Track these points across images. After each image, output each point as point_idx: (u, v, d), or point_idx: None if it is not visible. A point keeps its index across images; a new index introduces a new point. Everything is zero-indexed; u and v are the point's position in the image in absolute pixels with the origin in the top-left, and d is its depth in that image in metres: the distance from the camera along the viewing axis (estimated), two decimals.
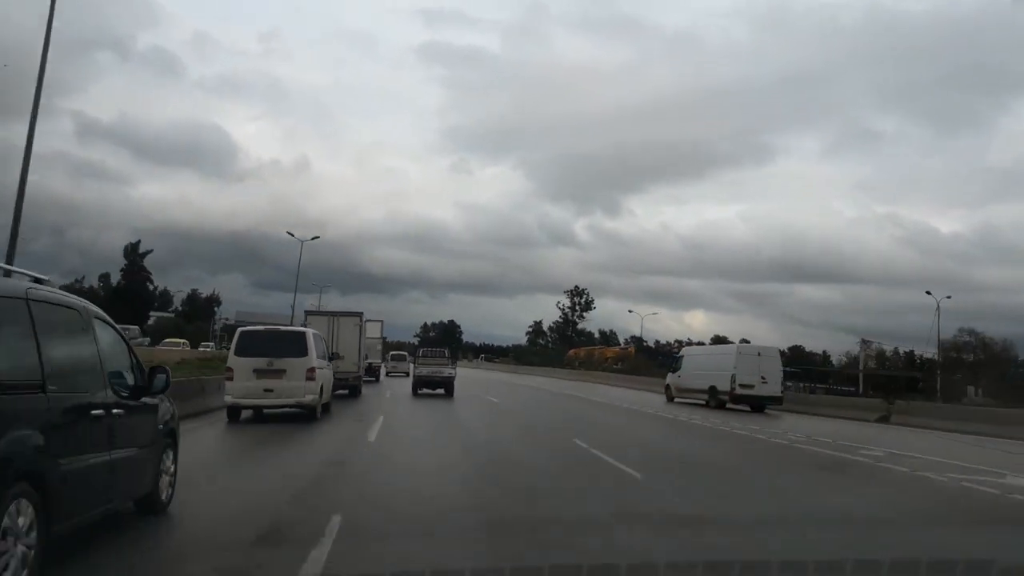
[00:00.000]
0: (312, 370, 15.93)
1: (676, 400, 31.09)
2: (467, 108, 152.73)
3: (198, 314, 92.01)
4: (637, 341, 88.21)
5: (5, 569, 3.95)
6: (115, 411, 5.50)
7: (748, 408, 27.00)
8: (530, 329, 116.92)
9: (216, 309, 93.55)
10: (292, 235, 53.80)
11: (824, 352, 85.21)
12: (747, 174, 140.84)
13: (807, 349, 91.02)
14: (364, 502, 7.69)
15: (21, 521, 4.09)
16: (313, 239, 54.64)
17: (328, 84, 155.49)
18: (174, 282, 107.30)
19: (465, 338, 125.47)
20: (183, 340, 61.97)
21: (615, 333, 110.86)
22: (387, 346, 57.37)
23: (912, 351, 71.03)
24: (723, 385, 27.77)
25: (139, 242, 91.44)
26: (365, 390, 27.44)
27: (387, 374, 45.27)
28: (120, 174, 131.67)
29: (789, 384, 44.22)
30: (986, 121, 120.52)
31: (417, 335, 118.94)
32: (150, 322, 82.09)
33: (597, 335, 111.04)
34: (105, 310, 6.14)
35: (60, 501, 4.49)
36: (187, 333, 73.85)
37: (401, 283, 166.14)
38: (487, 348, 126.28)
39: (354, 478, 9.27)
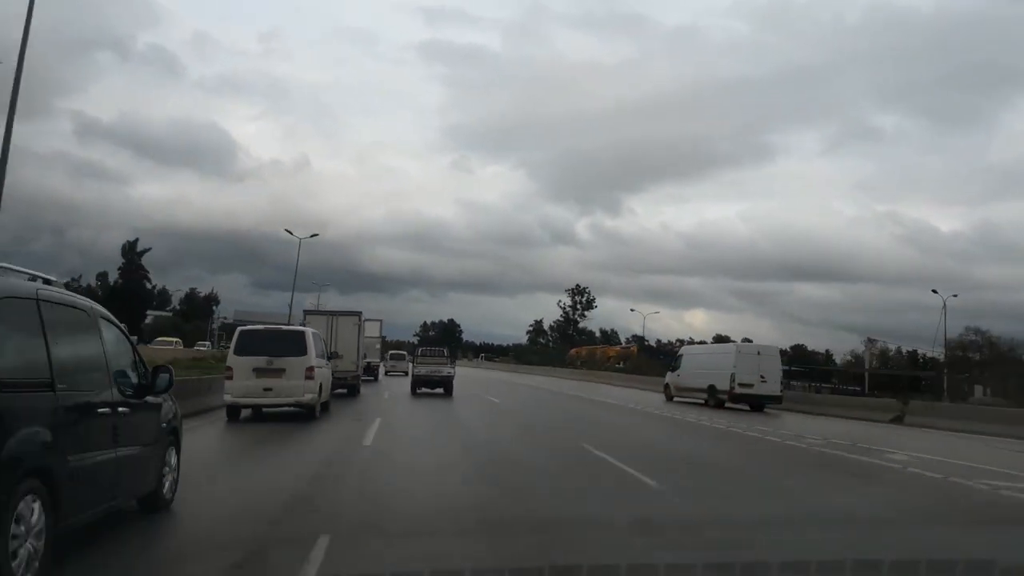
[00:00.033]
0: (311, 369, 15.97)
1: (675, 399, 31.10)
2: (468, 106, 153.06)
3: (196, 313, 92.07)
4: (639, 340, 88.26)
5: (18, 563, 4.01)
6: (120, 409, 5.57)
7: (747, 407, 26.96)
8: (531, 328, 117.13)
9: (215, 308, 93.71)
10: (291, 233, 53.76)
11: (827, 351, 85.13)
12: (747, 173, 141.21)
13: (809, 348, 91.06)
14: (364, 500, 7.73)
15: (31, 517, 4.16)
16: (312, 237, 54.47)
17: (328, 83, 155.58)
18: (174, 282, 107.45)
19: (465, 337, 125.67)
20: (175, 339, 61.85)
21: (616, 332, 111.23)
22: (387, 345, 57.37)
23: (915, 350, 71.19)
24: (722, 384, 27.72)
25: (137, 240, 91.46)
26: (364, 390, 27.39)
27: (386, 373, 45.22)
28: (120, 174, 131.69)
29: (795, 384, 44.28)
30: (986, 119, 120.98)
31: (417, 334, 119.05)
32: (147, 321, 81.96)
33: (598, 334, 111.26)
34: None
35: (68, 497, 4.55)
36: (185, 332, 73.86)
37: (401, 282, 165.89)
38: (487, 347, 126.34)
39: (353, 478, 9.31)
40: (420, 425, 17.26)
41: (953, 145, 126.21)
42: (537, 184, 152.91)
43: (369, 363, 34.97)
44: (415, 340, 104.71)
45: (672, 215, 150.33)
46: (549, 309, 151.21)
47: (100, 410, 5.26)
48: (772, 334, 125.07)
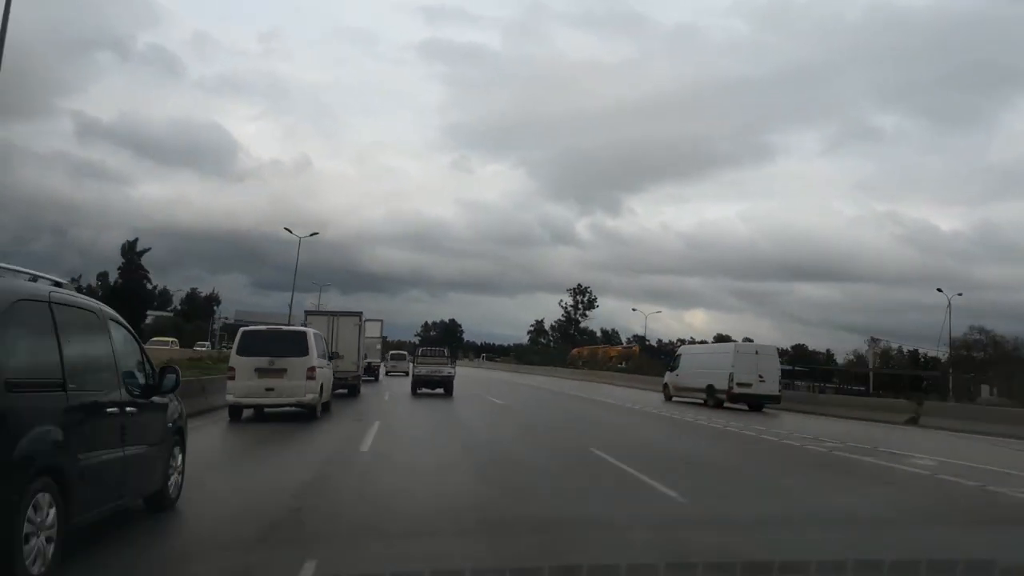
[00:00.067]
0: (313, 369, 16.07)
1: (674, 399, 31.16)
2: (468, 105, 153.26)
3: (197, 313, 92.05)
4: (640, 340, 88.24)
5: (30, 560, 4.10)
6: (128, 409, 5.66)
7: (746, 407, 26.97)
8: (531, 328, 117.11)
9: (215, 308, 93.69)
10: (290, 232, 53.75)
11: (827, 351, 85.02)
12: (747, 173, 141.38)
13: (809, 348, 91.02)
14: (364, 501, 7.79)
15: (42, 514, 4.24)
16: (312, 235, 54.44)
17: (328, 83, 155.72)
18: (174, 282, 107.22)
19: (466, 337, 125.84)
20: (172, 339, 61.64)
21: (617, 332, 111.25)
22: (387, 345, 57.40)
23: (917, 350, 71.08)
24: (721, 384, 27.73)
25: (136, 240, 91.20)
26: (364, 390, 27.45)
27: (387, 373, 45.25)
28: (120, 174, 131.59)
29: (798, 384, 44.09)
30: (986, 119, 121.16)
31: (418, 334, 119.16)
32: (147, 321, 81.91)
33: (599, 334, 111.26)
34: None
35: (78, 496, 4.64)
36: (186, 332, 73.71)
37: (401, 282, 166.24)
38: (488, 347, 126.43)
39: (353, 478, 9.38)
40: (420, 425, 17.31)
41: (953, 145, 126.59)
42: (537, 183, 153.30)
43: (370, 363, 35.02)
44: (416, 340, 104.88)
45: (672, 215, 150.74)
46: (550, 309, 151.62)
47: (109, 410, 5.36)
48: (772, 334, 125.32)
